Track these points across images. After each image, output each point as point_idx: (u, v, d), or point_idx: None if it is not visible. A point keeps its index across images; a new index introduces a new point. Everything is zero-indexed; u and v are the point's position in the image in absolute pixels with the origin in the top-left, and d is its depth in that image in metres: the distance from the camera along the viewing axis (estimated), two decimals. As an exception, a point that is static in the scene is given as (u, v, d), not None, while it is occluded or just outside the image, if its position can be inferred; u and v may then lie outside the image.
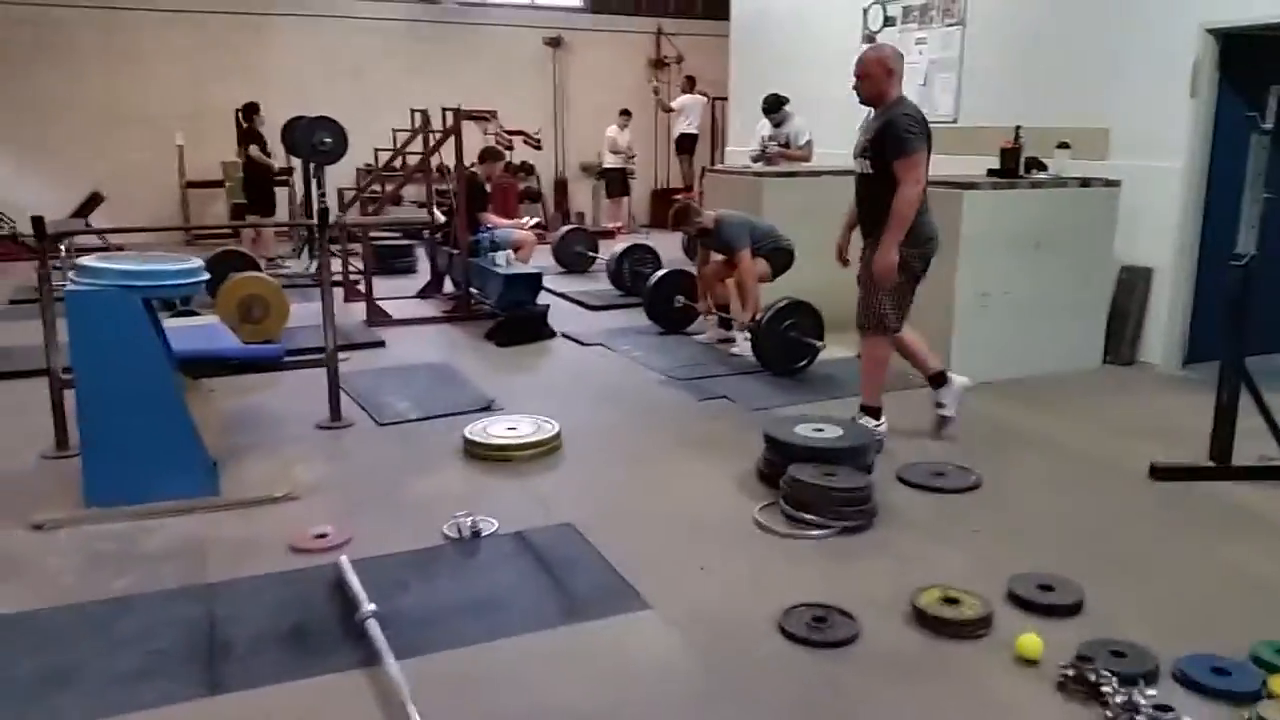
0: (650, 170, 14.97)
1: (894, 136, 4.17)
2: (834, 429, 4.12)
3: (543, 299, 7.34)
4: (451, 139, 7.40)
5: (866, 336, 4.59)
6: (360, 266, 9.62)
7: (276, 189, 11.09)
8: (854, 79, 4.36)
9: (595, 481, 4.17)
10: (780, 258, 6.33)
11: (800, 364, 5.87)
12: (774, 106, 8.39)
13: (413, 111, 8.26)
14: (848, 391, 5.52)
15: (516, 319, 6.82)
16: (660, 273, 7.32)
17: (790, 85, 8.62)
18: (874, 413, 4.61)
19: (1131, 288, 6.21)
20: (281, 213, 11.42)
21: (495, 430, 4.54)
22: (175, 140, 12.27)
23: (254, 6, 12.76)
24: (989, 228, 5.63)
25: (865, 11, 8.46)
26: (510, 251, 7.54)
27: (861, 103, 4.45)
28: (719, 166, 10.58)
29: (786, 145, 8.39)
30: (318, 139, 9.14)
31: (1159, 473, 4.16)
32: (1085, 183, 5.99)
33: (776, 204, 6.97)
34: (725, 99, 11.73)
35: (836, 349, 6.13)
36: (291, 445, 4.60)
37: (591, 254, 10.02)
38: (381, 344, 6.67)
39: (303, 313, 7.55)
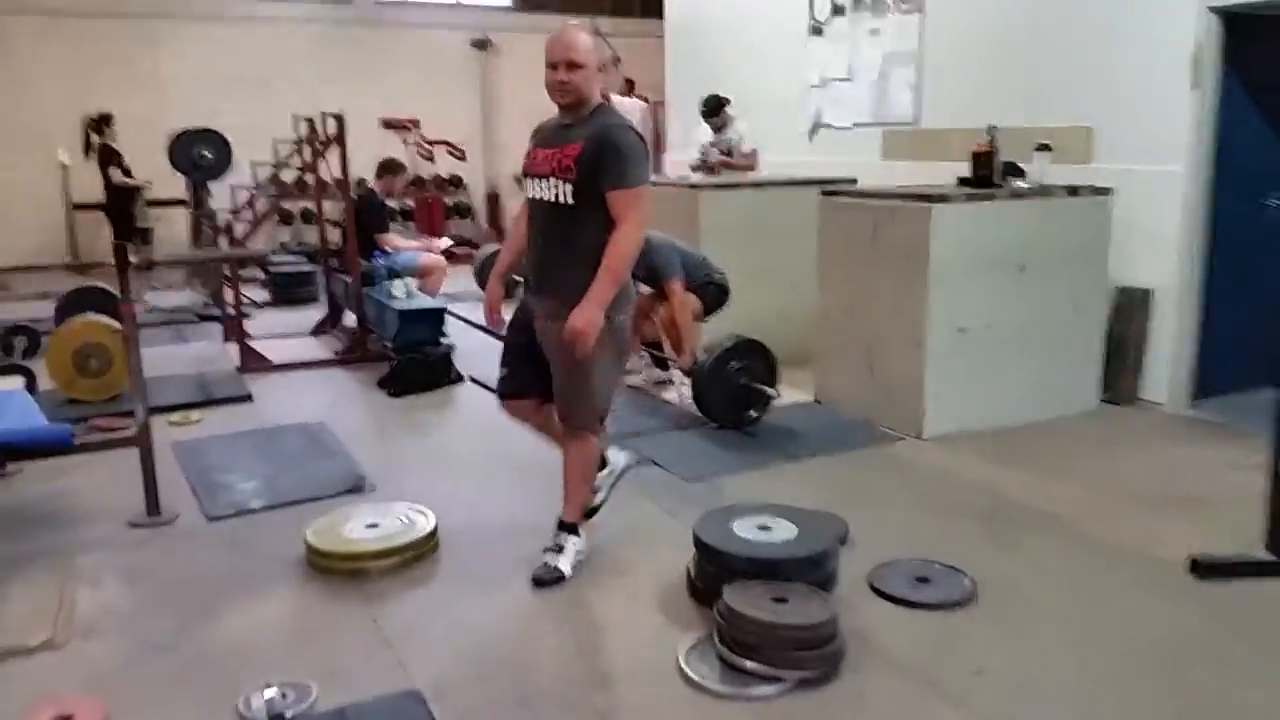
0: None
1: (616, 157, 2.99)
2: (785, 525, 3.15)
3: (457, 332, 6.34)
4: (337, 150, 6.36)
5: (578, 438, 3.24)
6: (252, 298, 8.61)
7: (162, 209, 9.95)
8: (558, 69, 3.03)
9: (471, 607, 3.13)
10: (712, 294, 5.36)
11: (750, 415, 4.90)
12: (714, 109, 7.43)
13: (296, 119, 7.18)
14: (807, 449, 4.61)
15: (413, 363, 5.78)
16: (585, 302, 6.32)
17: (731, 86, 7.67)
18: (577, 530, 3.34)
19: (1129, 313, 5.32)
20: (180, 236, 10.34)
21: (350, 528, 3.51)
22: (59, 158, 11.08)
23: (147, 9, 11.58)
24: (965, 248, 4.71)
25: (811, 0, 7.54)
26: (413, 280, 6.50)
27: (561, 106, 3.12)
28: (651, 177, 9.59)
29: (729, 153, 7.44)
30: (197, 153, 8.09)
31: (1203, 569, 3.24)
32: (1073, 191, 5.09)
33: (715, 219, 6.02)
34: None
35: (792, 394, 5.19)
36: (85, 555, 3.53)
37: (519, 277, 8.97)
38: (248, 398, 5.59)
39: (168, 357, 6.53)
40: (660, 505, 3.97)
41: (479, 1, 13.38)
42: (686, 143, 8.26)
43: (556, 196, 3.06)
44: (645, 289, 5.49)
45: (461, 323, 7.21)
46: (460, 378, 5.92)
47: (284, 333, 7.38)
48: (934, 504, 3.97)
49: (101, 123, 8.82)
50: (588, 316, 2.94)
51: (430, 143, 12.16)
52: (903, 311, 4.78)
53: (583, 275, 3.01)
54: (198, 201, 8.50)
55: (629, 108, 12.58)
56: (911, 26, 6.69)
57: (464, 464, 4.54)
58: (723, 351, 4.83)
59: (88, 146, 8.94)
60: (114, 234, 8.71)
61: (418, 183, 11.62)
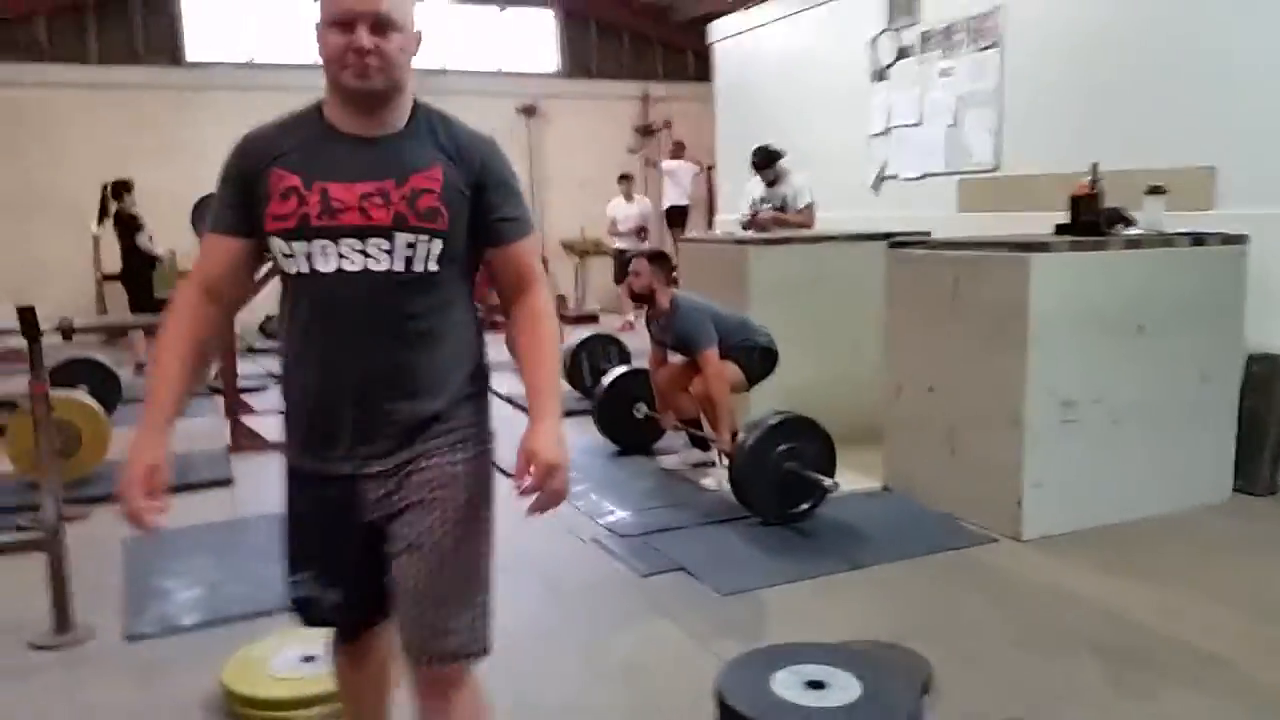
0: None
1: (511, 185, 1.85)
2: (844, 678, 2.28)
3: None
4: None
5: (462, 681, 1.85)
6: (271, 370, 8.03)
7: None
8: (354, 28, 1.66)
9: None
10: (756, 360, 4.57)
11: (801, 508, 4.06)
12: (766, 161, 6.71)
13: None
14: (874, 554, 3.74)
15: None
16: (616, 371, 5.55)
17: (787, 140, 6.95)
18: None
19: (1267, 384, 4.38)
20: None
21: (282, 660, 2.74)
22: (90, 229, 10.83)
23: (182, 81, 11.44)
24: (1070, 306, 3.86)
25: (873, 42, 6.85)
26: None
27: (363, 94, 1.72)
28: (694, 234, 8.84)
29: (783, 208, 6.70)
30: (213, 217, 7.62)
31: None
32: (1199, 240, 4.21)
33: (765, 280, 5.25)
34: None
35: (854, 480, 4.34)
36: (-41, 689, 2.82)
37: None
38: (228, 482, 4.91)
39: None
40: (684, 627, 3.13)
41: (526, 68, 13.01)
42: (736, 202, 7.54)
43: (408, 263, 1.72)
44: (678, 358, 4.75)
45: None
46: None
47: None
48: (1041, 632, 3.06)
49: (120, 188, 8.41)
50: (557, 441, 1.73)
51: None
52: (994, 382, 3.92)
53: (453, 393, 1.82)
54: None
55: (681, 171, 12.01)
56: (989, 64, 5.93)
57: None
58: (765, 431, 4.01)
59: (103, 213, 8.55)
60: (130, 305, 8.25)
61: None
